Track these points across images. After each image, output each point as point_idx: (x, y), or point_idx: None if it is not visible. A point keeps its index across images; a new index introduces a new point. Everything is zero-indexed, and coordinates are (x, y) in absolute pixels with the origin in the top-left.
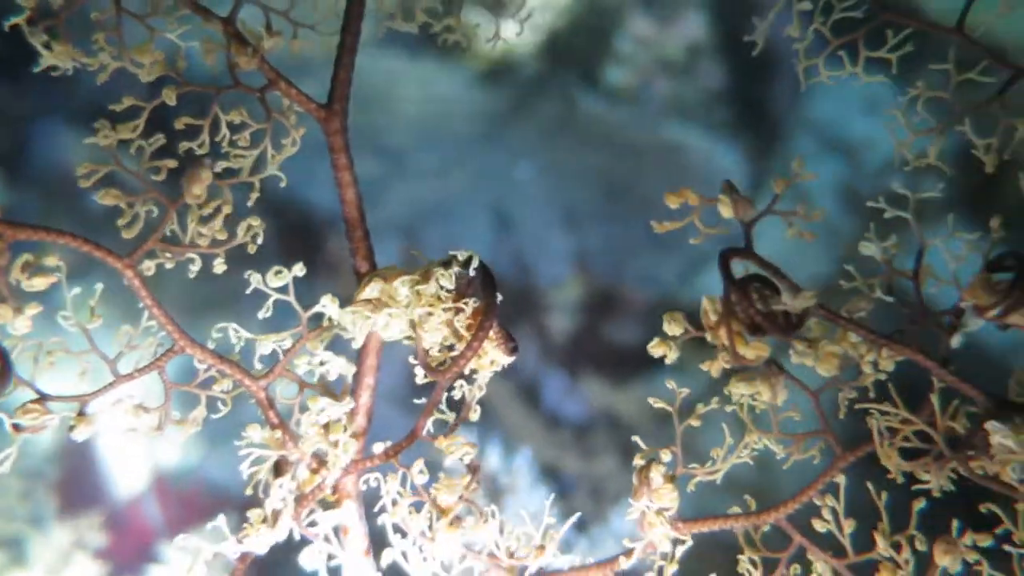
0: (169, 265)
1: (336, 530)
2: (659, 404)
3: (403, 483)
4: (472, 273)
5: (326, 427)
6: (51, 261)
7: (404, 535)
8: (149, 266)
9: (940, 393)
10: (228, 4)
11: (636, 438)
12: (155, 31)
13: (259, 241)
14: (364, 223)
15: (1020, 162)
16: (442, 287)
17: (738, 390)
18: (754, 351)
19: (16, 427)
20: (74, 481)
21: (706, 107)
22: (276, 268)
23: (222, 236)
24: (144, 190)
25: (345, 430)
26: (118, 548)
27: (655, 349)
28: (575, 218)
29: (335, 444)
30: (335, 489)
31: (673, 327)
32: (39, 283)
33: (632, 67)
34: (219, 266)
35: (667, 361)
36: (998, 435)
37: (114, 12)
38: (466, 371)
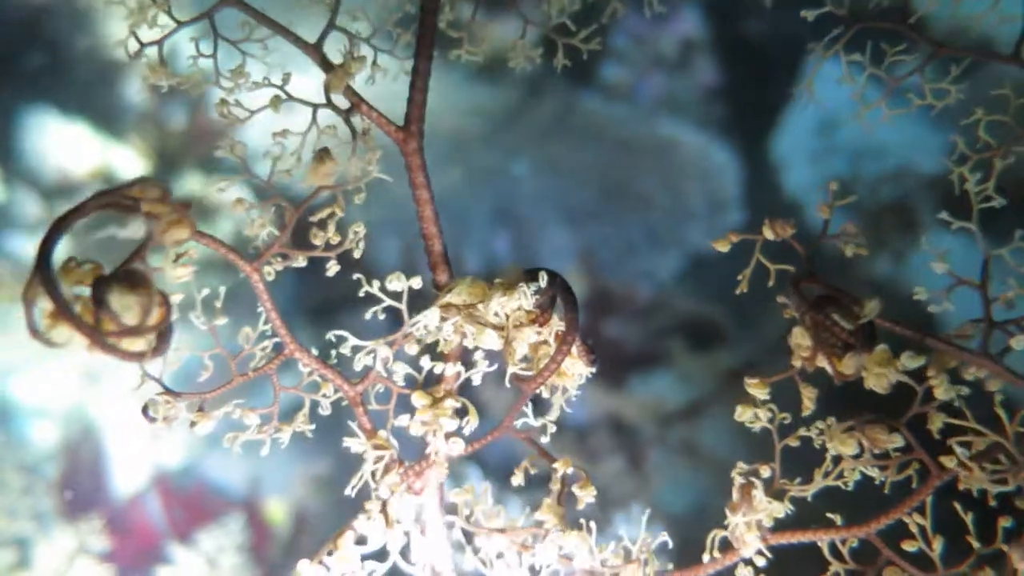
0: (299, 264)
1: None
2: (759, 424)
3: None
4: (551, 288)
5: (433, 408)
6: (192, 254)
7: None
8: (270, 271)
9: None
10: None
11: (739, 464)
12: (247, 54)
13: (362, 246)
14: (442, 237)
15: None
16: (526, 303)
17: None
18: (852, 364)
19: (147, 416)
20: (78, 483)
21: (700, 104)
22: (396, 274)
23: (335, 240)
24: (271, 196)
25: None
26: (121, 550)
27: (742, 415)
28: (572, 215)
29: (438, 430)
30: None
31: (757, 390)
32: (182, 272)
33: (628, 64)
34: (332, 267)
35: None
36: None
37: (212, 37)
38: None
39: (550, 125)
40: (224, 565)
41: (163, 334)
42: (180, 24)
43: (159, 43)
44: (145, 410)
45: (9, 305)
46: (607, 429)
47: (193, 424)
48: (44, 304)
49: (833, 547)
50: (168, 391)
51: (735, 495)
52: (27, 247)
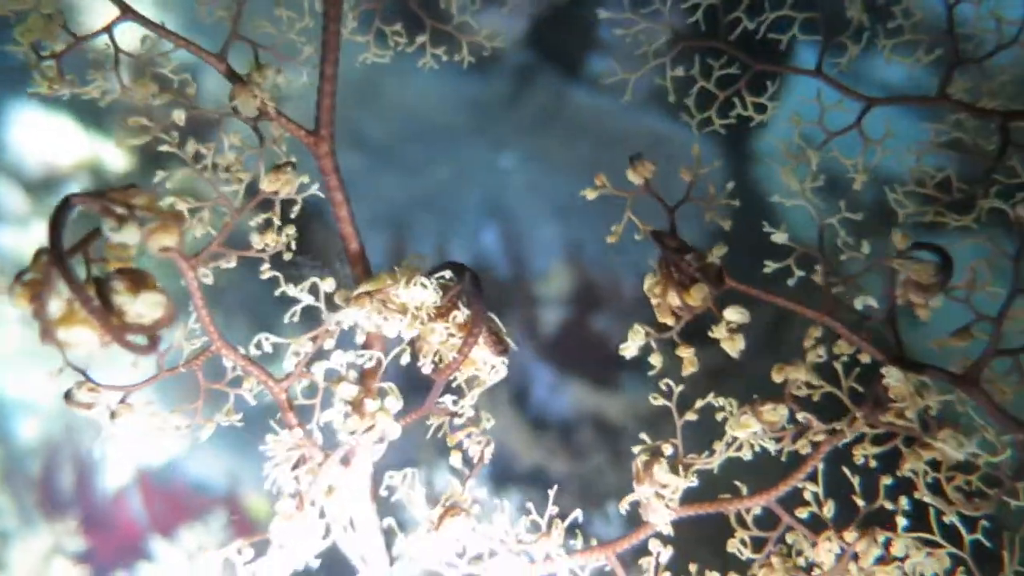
0: (228, 265)
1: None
2: (659, 401)
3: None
4: (459, 280)
5: (360, 401)
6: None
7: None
8: (206, 272)
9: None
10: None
11: (643, 435)
12: (150, 67)
13: (293, 247)
14: (359, 237)
15: None
16: (431, 297)
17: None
18: (699, 295)
19: (69, 398)
20: (55, 480)
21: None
22: (311, 280)
23: (273, 243)
24: (214, 196)
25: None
26: (100, 547)
27: (625, 351)
28: (560, 209)
29: (365, 415)
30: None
31: (635, 337)
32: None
33: (616, 57)
34: (267, 272)
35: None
36: (892, 379)
37: (112, 51)
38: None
39: (539, 118)
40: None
41: (161, 331)
42: (78, 39)
43: (58, 57)
44: (68, 396)
45: None
46: (591, 426)
47: (113, 416)
48: (54, 304)
49: (739, 516)
50: (91, 381)
51: (638, 471)
52: (8, 240)
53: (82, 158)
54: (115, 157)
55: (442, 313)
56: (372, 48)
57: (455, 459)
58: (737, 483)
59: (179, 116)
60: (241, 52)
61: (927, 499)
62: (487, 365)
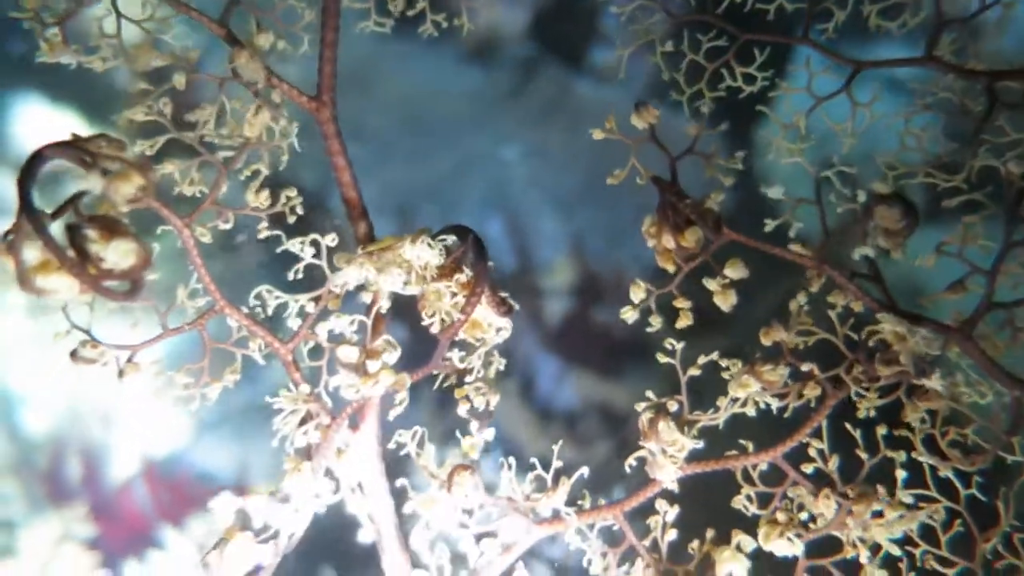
0: (225, 226)
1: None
2: (664, 359)
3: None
4: (463, 244)
5: (363, 363)
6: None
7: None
8: (203, 232)
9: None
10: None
11: (648, 393)
12: (151, 33)
13: (299, 211)
14: (361, 201)
15: None
16: (435, 256)
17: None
18: (692, 236)
19: (74, 355)
20: (63, 469)
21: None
22: (312, 237)
23: (265, 203)
24: (200, 155)
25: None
26: (110, 534)
27: (626, 314)
28: (563, 200)
29: (369, 374)
30: (358, 418)
31: (637, 292)
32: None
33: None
34: (264, 231)
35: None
36: (887, 324)
37: (114, 17)
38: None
39: (542, 110)
40: None
41: (141, 275)
42: (81, 3)
43: (62, 22)
44: (74, 354)
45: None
46: (597, 416)
47: (121, 373)
48: (30, 253)
49: (745, 472)
50: (94, 339)
51: (644, 426)
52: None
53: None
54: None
55: (446, 273)
56: (372, 16)
57: (462, 409)
58: (743, 442)
59: (180, 80)
60: (241, 24)
61: (923, 458)
62: (491, 327)
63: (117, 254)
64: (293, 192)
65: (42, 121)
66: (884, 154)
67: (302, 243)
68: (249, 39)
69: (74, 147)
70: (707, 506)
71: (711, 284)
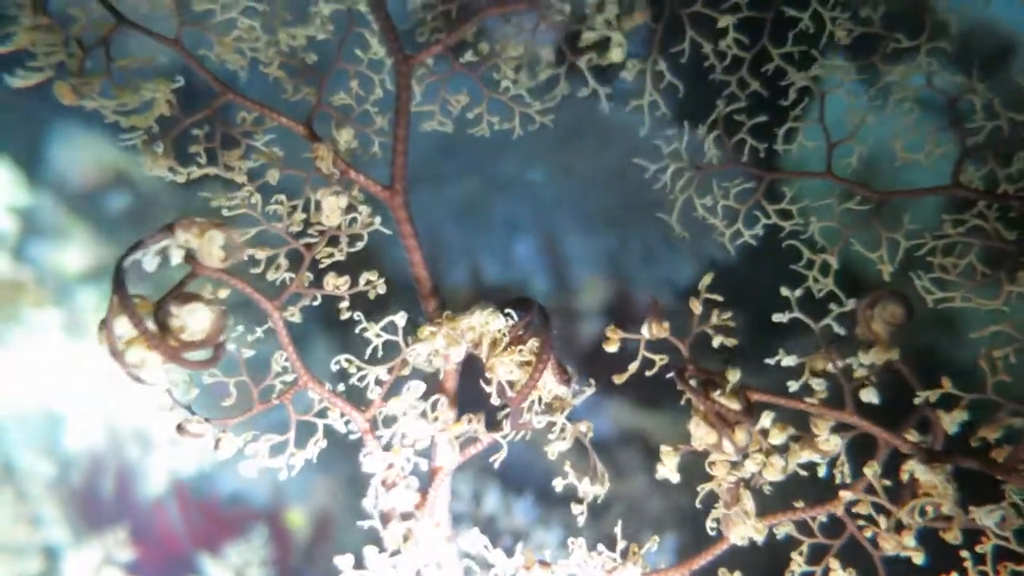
0: (314, 303)
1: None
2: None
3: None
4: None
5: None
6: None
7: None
8: (293, 311)
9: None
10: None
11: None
12: (246, 141)
13: (380, 291)
14: (432, 279)
15: None
16: (501, 324)
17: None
18: (743, 437)
19: (181, 430)
20: (100, 492)
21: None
22: (387, 320)
23: (344, 286)
24: (286, 242)
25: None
26: (148, 560)
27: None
28: (591, 222)
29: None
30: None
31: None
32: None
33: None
34: (344, 311)
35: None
36: (920, 474)
37: (216, 126)
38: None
39: (567, 132)
40: None
41: (220, 344)
42: (185, 121)
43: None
44: (180, 429)
45: (32, 311)
46: (634, 446)
47: (215, 448)
48: (120, 330)
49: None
50: (199, 416)
51: (725, 495)
52: (49, 254)
53: (119, 172)
54: (150, 174)
55: (512, 343)
56: (437, 116)
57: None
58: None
59: (273, 175)
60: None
61: None
62: (551, 393)
63: (193, 321)
64: (374, 276)
65: (80, 144)
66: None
67: (380, 326)
68: (330, 138)
69: (171, 234)
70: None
71: (755, 461)
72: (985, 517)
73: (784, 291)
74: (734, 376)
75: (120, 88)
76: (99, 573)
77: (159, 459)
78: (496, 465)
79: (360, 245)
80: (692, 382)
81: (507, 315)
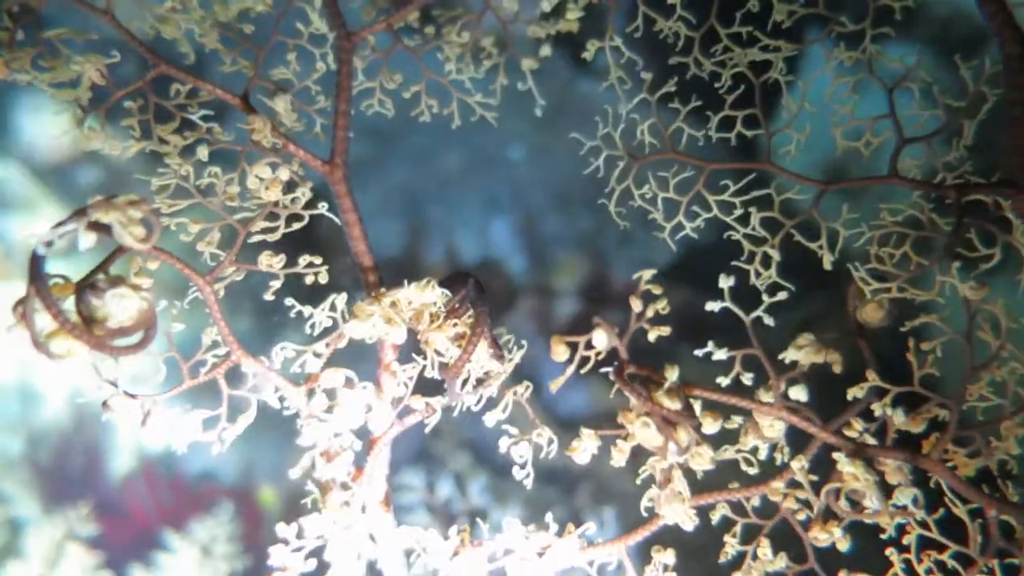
0: (237, 277)
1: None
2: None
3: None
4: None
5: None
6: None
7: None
8: (219, 288)
9: None
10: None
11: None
12: (179, 114)
13: (322, 279)
14: (372, 254)
15: None
16: (437, 298)
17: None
18: (686, 437)
19: (106, 406)
20: (67, 466)
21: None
22: (330, 300)
23: (279, 265)
24: (222, 216)
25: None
26: (115, 536)
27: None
28: (568, 202)
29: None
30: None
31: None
32: (144, 282)
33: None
34: (270, 291)
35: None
36: (844, 467)
37: (150, 100)
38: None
39: (547, 111)
40: (217, 553)
41: (150, 327)
42: (118, 93)
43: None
44: (105, 405)
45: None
46: (608, 424)
47: (144, 421)
48: (42, 321)
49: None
50: (126, 393)
51: (659, 476)
52: (17, 227)
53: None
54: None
55: (448, 316)
56: (377, 94)
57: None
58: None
59: (203, 152)
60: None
61: None
62: (482, 368)
63: (120, 310)
64: (318, 260)
65: (48, 113)
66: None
67: (319, 309)
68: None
69: (85, 215)
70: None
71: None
72: (902, 496)
73: (722, 282)
74: (672, 374)
75: (51, 61)
76: (62, 547)
77: (127, 435)
78: (427, 430)
79: (297, 225)
80: (631, 382)
81: (443, 289)
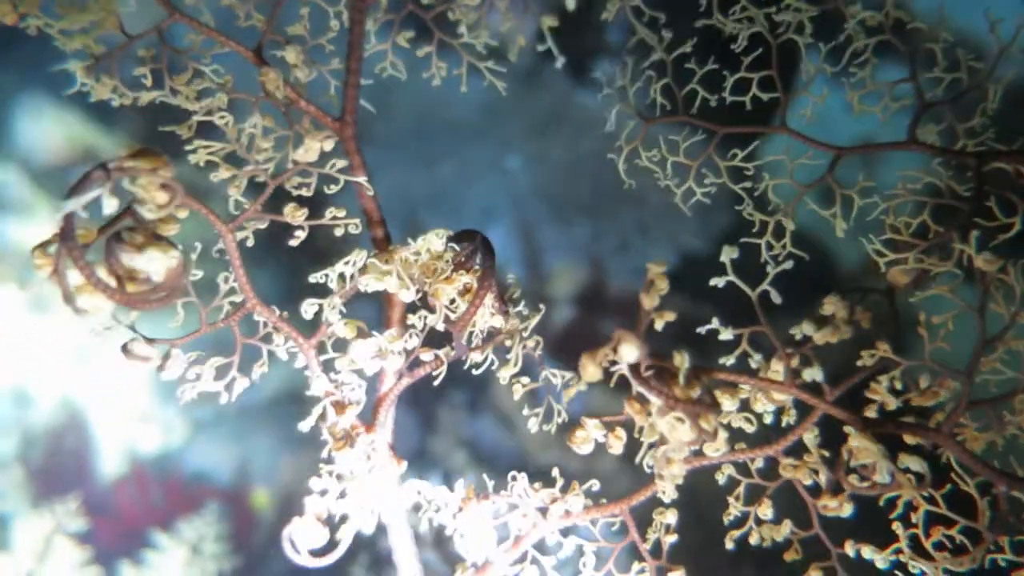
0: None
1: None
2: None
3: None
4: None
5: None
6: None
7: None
8: (245, 234)
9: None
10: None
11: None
12: (194, 64)
13: (354, 230)
14: (379, 209)
15: None
16: (446, 257)
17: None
18: (712, 423)
19: (126, 351)
20: (57, 466)
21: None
22: (345, 259)
23: (302, 217)
24: (249, 165)
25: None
26: (105, 533)
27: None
28: (566, 210)
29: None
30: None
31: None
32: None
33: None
34: (296, 238)
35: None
36: (858, 444)
37: (162, 49)
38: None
39: (545, 120)
40: (206, 552)
41: (177, 283)
42: (131, 39)
43: (112, 57)
44: (124, 349)
45: None
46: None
47: (160, 368)
48: (72, 276)
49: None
50: (144, 337)
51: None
52: (12, 229)
53: (87, 148)
54: (119, 147)
55: (456, 268)
56: (389, 57)
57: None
58: None
59: (221, 99)
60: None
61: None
62: (487, 324)
63: (152, 266)
64: (343, 212)
65: (50, 119)
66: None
67: (342, 263)
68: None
69: (112, 172)
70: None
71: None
72: (913, 464)
73: (724, 254)
74: (683, 361)
75: (65, 7)
76: (49, 542)
77: (119, 435)
78: (436, 382)
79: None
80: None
81: (450, 244)
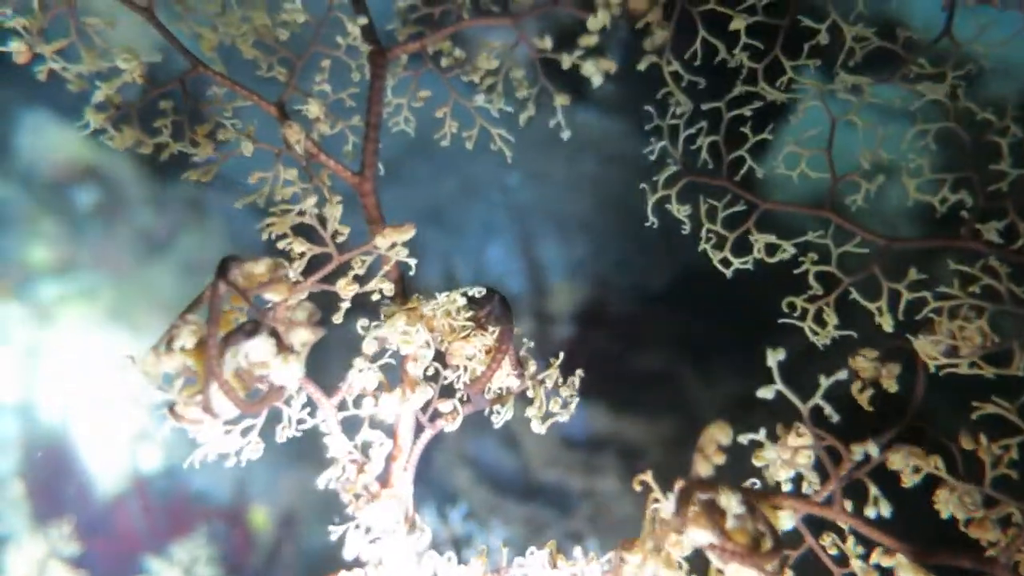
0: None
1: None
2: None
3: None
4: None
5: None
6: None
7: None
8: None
9: None
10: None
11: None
12: (215, 117)
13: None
14: (398, 266)
15: None
16: (464, 316)
17: None
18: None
19: (174, 414)
20: (52, 488)
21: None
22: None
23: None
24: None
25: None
26: (101, 556)
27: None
28: (566, 227)
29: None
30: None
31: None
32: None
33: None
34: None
35: None
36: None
37: (185, 101)
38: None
39: (545, 137)
40: (200, 574)
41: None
42: (154, 90)
43: (132, 109)
44: (173, 412)
45: None
46: (610, 447)
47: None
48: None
49: None
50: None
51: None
52: (13, 245)
53: (88, 165)
54: (120, 165)
55: (474, 329)
56: (404, 112)
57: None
58: None
59: (247, 147)
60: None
61: None
62: (502, 384)
63: (281, 375)
64: (386, 284)
65: (47, 134)
66: None
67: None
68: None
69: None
70: None
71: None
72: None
73: (770, 358)
74: (731, 501)
75: (88, 50)
76: (44, 567)
77: (119, 454)
78: (448, 430)
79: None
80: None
81: (470, 302)
